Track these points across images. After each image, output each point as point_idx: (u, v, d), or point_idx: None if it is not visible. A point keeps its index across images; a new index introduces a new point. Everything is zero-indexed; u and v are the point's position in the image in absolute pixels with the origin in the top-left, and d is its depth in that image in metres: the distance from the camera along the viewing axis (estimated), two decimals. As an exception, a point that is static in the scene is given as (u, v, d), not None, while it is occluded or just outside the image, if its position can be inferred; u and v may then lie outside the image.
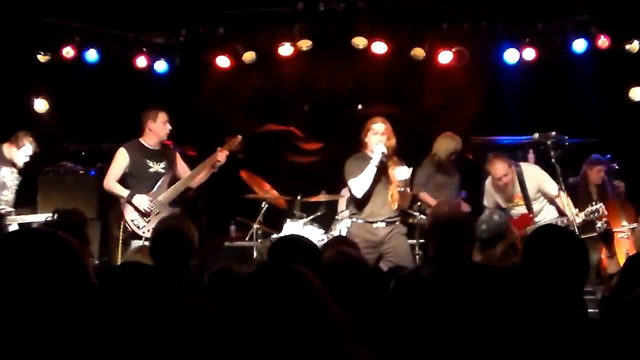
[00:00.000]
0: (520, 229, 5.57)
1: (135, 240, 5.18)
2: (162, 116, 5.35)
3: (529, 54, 7.13)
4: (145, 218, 5.18)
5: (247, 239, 6.69)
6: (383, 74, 7.54)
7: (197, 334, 2.14)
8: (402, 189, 5.01)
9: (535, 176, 5.69)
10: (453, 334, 2.44)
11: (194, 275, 3.56)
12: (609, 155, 6.39)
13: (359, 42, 7.18)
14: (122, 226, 5.41)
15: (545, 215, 5.67)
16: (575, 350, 2.27)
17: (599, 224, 4.76)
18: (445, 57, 7.25)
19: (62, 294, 1.41)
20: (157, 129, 5.32)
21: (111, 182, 5.28)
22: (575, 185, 6.12)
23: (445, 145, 6.28)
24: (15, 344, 1.37)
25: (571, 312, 2.29)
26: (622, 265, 3.74)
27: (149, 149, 5.34)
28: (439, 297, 2.55)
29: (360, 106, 7.97)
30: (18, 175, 6.00)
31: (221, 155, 5.39)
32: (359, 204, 5.13)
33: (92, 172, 6.87)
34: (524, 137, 6.73)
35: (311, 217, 6.57)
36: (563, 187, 5.34)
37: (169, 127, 5.37)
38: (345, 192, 6.57)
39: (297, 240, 2.85)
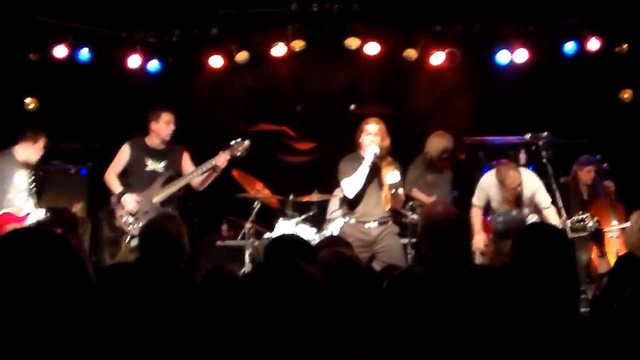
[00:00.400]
0: None
1: (135, 239, 5.19)
2: (164, 117, 5.41)
3: (521, 55, 7.18)
4: (132, 216, 5.20)
5: (239, 238, 6.68)
6: (376, 74, 7.56)
7: (176, 335, 2.13)
8: (394, 191, 5.03)
9: (532, 185, 5.75)
10: (447, 333, 2.45)
11: (185, 274, 3.56)
12: (598, 156, 6.45)
13: (352, 42, 7.20)
14: (112, 224, 5.43)
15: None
16: (566, 349, 2.30)
17: (590, 224, 4.82)
18: (437, 58, 7.29)
19: (62, 292, 1.42)
20: (159, 129, 5.39)
21: (110, 175, 5.39)
22: (566, 185, 6.17)
23: (436, 144, 6.32)
24: (15, 343, 1.38)
25: (562, 310, 2.32)
26: (612, 264, 3.79)
27: (151, 148, 5.41)
28: (432, 297, 2.56)
29: (352, 106, 7.98)
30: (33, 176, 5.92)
31: (221, 160, 5.39)
32: (351, 204, 5.15)
33: (83, 172, 6.85)
34: (516, 138, 6.77)
35: (303, 216, 6.58)
36: (557, 195, 5.36)
37: (171, 127, 5.42)
38: (337, 192, 6.58)
39: (294, 239, 2.85)
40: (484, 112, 7.49)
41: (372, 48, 7.23)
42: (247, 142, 5.51)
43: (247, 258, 6.29)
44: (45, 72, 7.09)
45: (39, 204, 6.54)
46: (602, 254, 4.56)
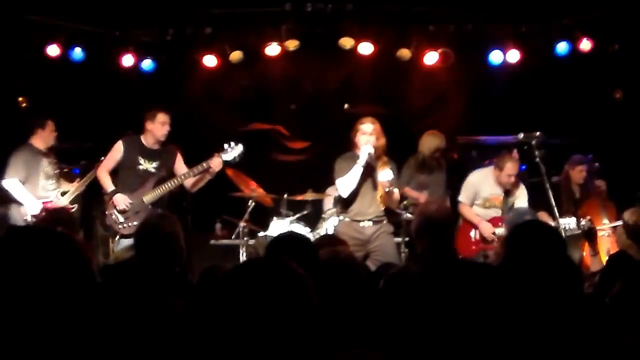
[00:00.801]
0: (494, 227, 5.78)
1: (123, 239, 5.18)
2: (160, 117, 5.42)
3: (513, 55, 7.23)
4: (123, 215, 5.20)
5: (233, 237, 6.69)
6: (369, 74, 7.59)
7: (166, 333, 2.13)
8: (389, 189, 5.05)
9: (518, 192, 5.95)
10: (444, 331, 2.47)
11: (179, 274, 3.57)
12: (590, 155, 6.49)
13: (346, 42, 7.22)
14: (105, 223, 5.44)
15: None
16: (562, 346, 2.32)
17: (583, 222, 4.86)
18: (431, 58, 7.32)
19: (66, 290, 1.43)
20: (154, 130, 5.39)
21: (102, 172, 5.41)
22: (558, 184, 6.21)
23: (429, 143, 6.37)
24: (20, 340, 1.39)
25: (561, 306, 2.35)
26: (604, 263, 3.83)
27: (145, 147, 5.40)
28: (429, 295, 2.58)
29: (346, 106, 8.02)
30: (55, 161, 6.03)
31: (215, 163, 5.38)
32: (346, 203, 5.17)
33: (76, 171, 6.84)
34: (508, 137, 6.81)
35: (297, 215, 6.60)
36: (550, 194, 5.41)
37: (167, 128, 5.42)
38: (331, 191, 6.59)
39: (296, 238, 2.86)
40: (477, 112, 7.54)
41: (366, 48, 7.25)
42: (240, 147, 5.50)
43: (243, 256, 6.30)
44: (38, 71, 7.07)
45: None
46: (595, 253, 4.58)
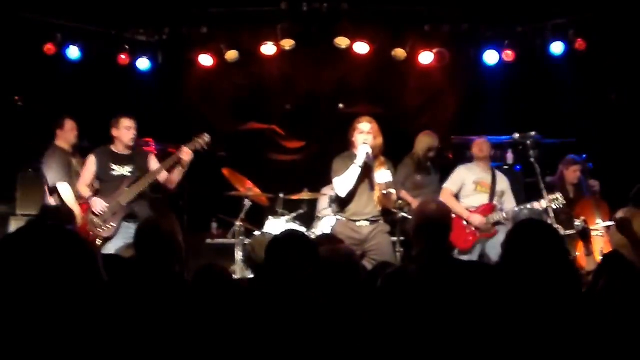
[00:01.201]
0: (485, 215, 5.78)
1: (109, 244, 5.20)
2: (123, 122, 5.42)
3: (508, 55, 7.27)
4: (101, 219, 5.25)
5: (229, 236, 6.70)
6: (365, 73, 7.61)
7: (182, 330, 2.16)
8: (386, 191, 5.05)
9: (503, 183, 5.99)
10: (441, 329, 2.50)
11: (178, 272, 3.59)
12: (584, 155, 6.53)
13: (342, 42, 7.25)
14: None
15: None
16: (558, 343, 2.35)
17: (577, 223, 4.89)
18: (426, 57, 7.35)
19: (74, 287, 1.44)
20: (120, 135, 5.42)
21: (81, 186, 5.46)
22: (552, 184, 6.24)
23: (422, 143, 6.41)
24: (27, 338, 1.40)
25: (558, 305, 2.38)
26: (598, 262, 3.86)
27: (116, 154, 5.44)
28: (426, 294, 2.61)
29: (341, 105, 8.04)
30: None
31: (184, 153, 5.41)
32: (343, 203, 5.15)
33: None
34: (503, 137, 6.85)
35: (293, 214, 6.62)
36: (544, 194, 5.46)
37: (133, 132, 5.42)
38: (326, 190, 6.62)
39: (296, 236, 2.87)
40: (472, 112, 7.57)
41: (362, 47, 7.28)
42: (207, 136, 5.54)
43: (238, 255, 6.31)
44: (34, 70, 7.06)
45: (28, 202, 6.55)
46: (590, 253, 4.62)
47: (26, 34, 6.98)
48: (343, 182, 5.04)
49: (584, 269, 4.63)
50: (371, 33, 7.27)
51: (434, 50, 7.30)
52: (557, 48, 7.12)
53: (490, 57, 7.33)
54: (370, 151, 5.00)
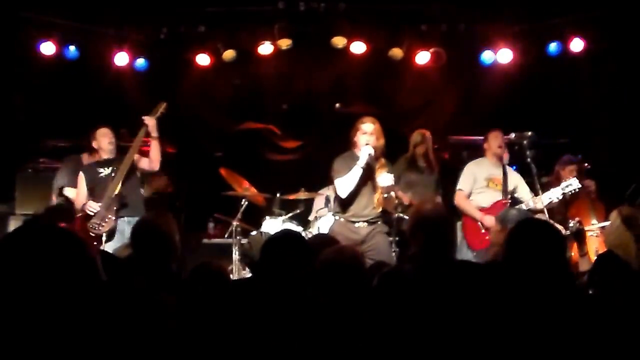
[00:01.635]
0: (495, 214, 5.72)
1: (108, 243, 5.23)
2: (99, 132, 5.54)
3: (505, 55, 7.28)
4: (97, 217, 5.29)
5: (225, 236, 6.71)
6: (361, 73, 7.63)
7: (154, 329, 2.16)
8: (387, 195, 5.03)
9: (515, 177, 5.88)
10: (436, 329, 2.51)
11: (175, 271, 3.60)
12: (580, 155, 6.55)
13: (339, 41, 7.26)
14: None
15: None
16: (553, 344, 2.37)
17: (571, 223, 4.90)
18: (422, 57, 7.37)
19: (72, 288, 1.45)
20: (100, 144, 5.54)
21: (79, 203, 5.46)
22: (549, 184, 6.26)
23: (412, 140, 6.45)
24: (25, 338, 1.41)
25: (555, 305, 2.39)
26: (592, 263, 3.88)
27: (101, 161, 5.56)
28: (422, 293, 2.62)
29: (338, 105, 8.04)
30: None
31: (148, 120, 5.47)
32: (343, 203, 5.10)
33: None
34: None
35: (290, 214, 6.63)
36: (540, 194, 5.45)
37: (110, 138, 5.49)
38: (323, 191, 6.63)
39: (292, 236, 2.88)
40: (468, 112, 7.58)
41: (358, 47, 7.29)
42: (163, 103, 5.61)
43: (235, 255, 6.32)
44: (32, 69, 7.07)
45: (27, 202, 6.56)
46: (584, 253, 4.63)
47: (24, 33, 6.98)
48: (345, 183, 5.00)
49: (578, 269, 4.64)
50: (368, 33, 7.28)
51: (431, 50, 7.31)
52: (554, 48, 7.14)
53: (487, 57, 7.35)
54: (372, 152, 4.97)
